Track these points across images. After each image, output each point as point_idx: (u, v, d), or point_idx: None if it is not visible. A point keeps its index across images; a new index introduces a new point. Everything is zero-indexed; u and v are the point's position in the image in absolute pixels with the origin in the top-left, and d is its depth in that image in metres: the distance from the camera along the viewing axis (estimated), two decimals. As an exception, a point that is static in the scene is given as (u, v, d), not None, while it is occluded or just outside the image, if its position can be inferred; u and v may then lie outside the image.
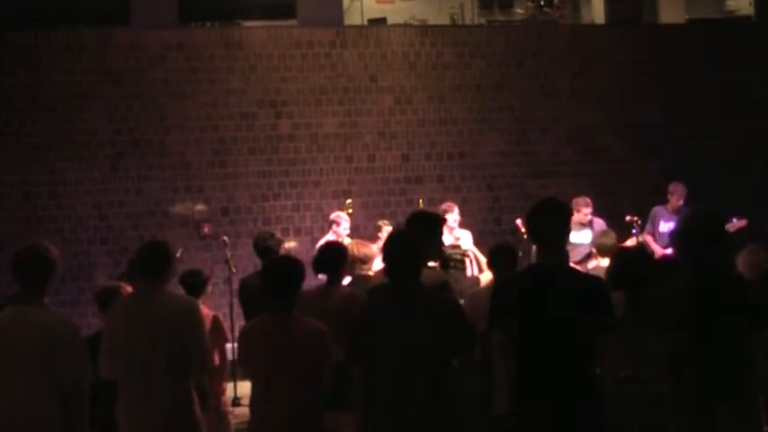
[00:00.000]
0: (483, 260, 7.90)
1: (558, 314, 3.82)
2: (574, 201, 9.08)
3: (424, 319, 3.96)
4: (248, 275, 7.37)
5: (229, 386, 7.56)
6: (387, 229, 9.27)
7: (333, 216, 9.29)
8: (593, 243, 7.42)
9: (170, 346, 4.36)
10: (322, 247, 5.80)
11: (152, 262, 4.56)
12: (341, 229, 9.04)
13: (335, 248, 5.69)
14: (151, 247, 4.70)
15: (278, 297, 4.44)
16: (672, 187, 9.50)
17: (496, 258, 5.53)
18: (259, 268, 6.91)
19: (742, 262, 5.14)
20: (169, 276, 4.61)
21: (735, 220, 9.04)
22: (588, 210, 9.06)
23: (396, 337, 3.95)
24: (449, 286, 4.94)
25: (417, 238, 4.29)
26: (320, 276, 5.45)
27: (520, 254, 5.91)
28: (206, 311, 5.76)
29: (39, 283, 4.12)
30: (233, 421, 6.27)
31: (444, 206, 8.80)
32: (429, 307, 4.01)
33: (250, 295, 6.44)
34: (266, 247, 6.77)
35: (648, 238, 9.26)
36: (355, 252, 5.79)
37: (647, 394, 4.69)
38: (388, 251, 4.18)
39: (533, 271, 4.09)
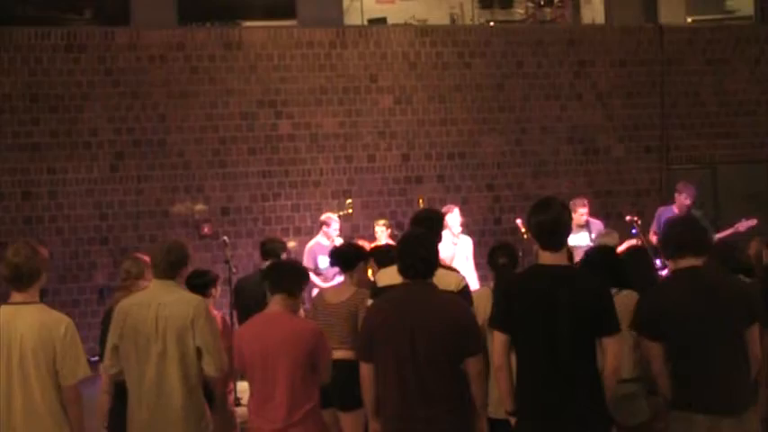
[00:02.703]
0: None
1: (560, 314, 3.81)
2: (571, 202, 9.06)
3: (434, 321, 3.95)
4: (244, 276, 7.37)
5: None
6: (380, 230, 9.26)
7: (323, 217, 9.18)
8: (596, 242, 7.42)
9: (181, 344, 4.35)
10: (343, 244, 5.92)
11: (169, 261, 4.55)
12: (331, 230, 8.94)
13: (355, 247, 5.83)
14: (169, 246, 4.69)
15: (279, 298, 4.44)
16: (680, 186, 9.47)
17: (496, 258, 5.52)
18: (255, 269, 6.95)
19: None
20: (182, 277, 4.61)
21: (744, 219, 9.03)
22: (585, 210, 9.01)
23: (405, 338, 3.94)
24: (467, 291, 4.96)
25: (433, 239, 4.28)
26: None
27: (520, 253, 5.90)
28: (214, 312, 5.75)
29: (28, 282, 4.10)
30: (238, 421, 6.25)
31: (444, 209, 8.79)
32: (440, 310, 4.00)
33: (247, 296, 6.44)
34: (269, 249, 6.81)
35: (654, 238, 9.24)
36: None
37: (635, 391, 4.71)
38: (403, 251, 4.16)
39: (535, 271, 4.08)
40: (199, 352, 4.40)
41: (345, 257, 5.70)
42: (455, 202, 9.63)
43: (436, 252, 4.22)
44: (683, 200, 9.34)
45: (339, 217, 9.81)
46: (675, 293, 4.06)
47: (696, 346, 3.95)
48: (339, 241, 8.48)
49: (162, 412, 4.36)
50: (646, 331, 4.09)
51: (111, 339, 4.55)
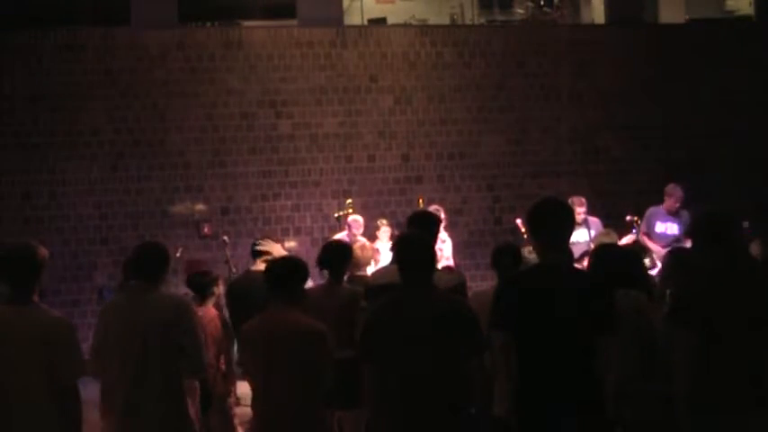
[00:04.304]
0: None
1: (561, 314, 3.80)
2: (569, 200, 9.11)
3: (436, 320, 3.95)
4: (235, 278, 7.34)
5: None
6: (384, 230, 9.34)
7: (350, 219, 9.37)
8: (595, 242, 7.43)
9: (163, 345, 4.33)
10: (328, 243, 5.87)
11: (147, 263, 4.54)
12: (354, 230, 9.18)
13: (341, 247, 5.75)
14: (146, 248, 4.69)
15: (279, 296, 4.43)
16: (669, 189, 9.50)
17: (500, 258, 5.52)
18: (245, 270, 6.89)
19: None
20: (163, 278, 4.59)
21: None
22: (582, 209, 9.08)
23: (406, 338, 3.94)
24: (464, 289, 4.96)
25: (430, 239, 4.28)
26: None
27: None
28: (213, 312, 5.74)
29: (27, 283, 4.09)
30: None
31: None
32: (441, 309, 4.00)
33: (237, 297, 6.39)
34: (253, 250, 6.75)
35: (644, 238, 9.27)
36: (359, 254, 5.88)
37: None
38: (402, 251, 4.15)
39: (536, 270, 4.07)
40: (179, 350, 4.38)
41: (335, 256, 5.61)
42: (455, 202, 9.63)
43: (434, 253, 4.21)
44: (672, 203, 9.37)
45: (338, 217, 9.86)
46: (710, 278, 4.03)
47: (727, 336, 3.93)
48: (363, 241, 8.51)
49: (141, 413, 4.34)
50: (679, 316, 4.04)
51: (94, 342, 4.55)
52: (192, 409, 4.56)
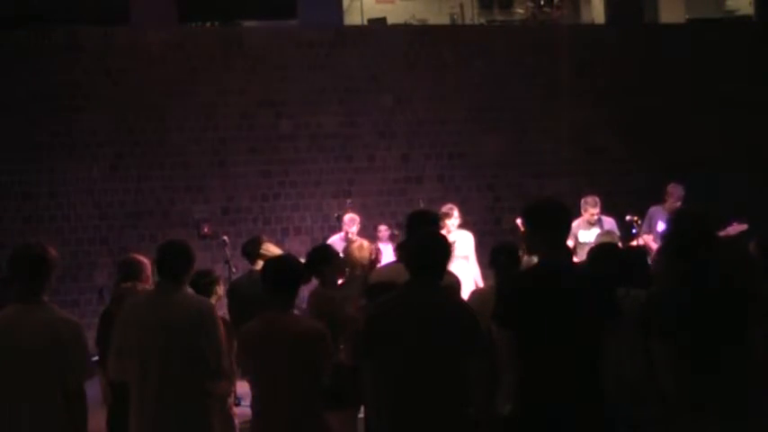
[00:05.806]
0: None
1: (561, 313, 3.81)
2: (582, 200, 9.11)
3: (437, 320, 3.94)
4: (236, 279, 7.32)
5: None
6: (381, 229, 9.35)
7: (346, 218, 9.29)
8: (595, 242, 7.42)
9: (186, 347, 4.33)
10: (310, 251, 5.81)
11: (172, 262, 4.52)
12: (348, 229, 9.09)
13: (323, 250, 5.71)
14: (171, 247, 4.66)
15: (277, 297, 4.42)
16: (670, 188, 9.49)
17: (498, 258, 5.52)
18: (246, 271, 6.89)
19: None
20: (188, 278, 4.59)
21: (735, 224, 9.02)
22: (596, 210, 9.07)
23: (406, 337, 3.94)
24: (456, 288, 4.95)
25: (447, 240, 4.26)
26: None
27: (520, 253, 5.90)
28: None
29: (37, 283, 4.09)
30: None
31: (445, 209, 8.79)
32: (442, 308, 4.00)
33: (238, 298, 6.39)
34: (245, 252, 6.72)
35: (647, 238, 9.26)
36: (356, 255, 5.86)
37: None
38: (418, 250, 4.13)
39: (537, 270, 4.07)
40: (201, 353, 4.38)
41: (321, 266, 5.56)
42: (455, 203, 9.57)
43: (451, 255, 4.20)
44: (672, 202, 9.35)
45: (338, 217, 9.84)
46: (685, 289, 4.02)
47: (706, 344, 3.92)
48: (360, 240, 8.47)
49: (165, 413, 4.35)
50: (654, 328, 4.05)
51: (117, 341, 4.54)
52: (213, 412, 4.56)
